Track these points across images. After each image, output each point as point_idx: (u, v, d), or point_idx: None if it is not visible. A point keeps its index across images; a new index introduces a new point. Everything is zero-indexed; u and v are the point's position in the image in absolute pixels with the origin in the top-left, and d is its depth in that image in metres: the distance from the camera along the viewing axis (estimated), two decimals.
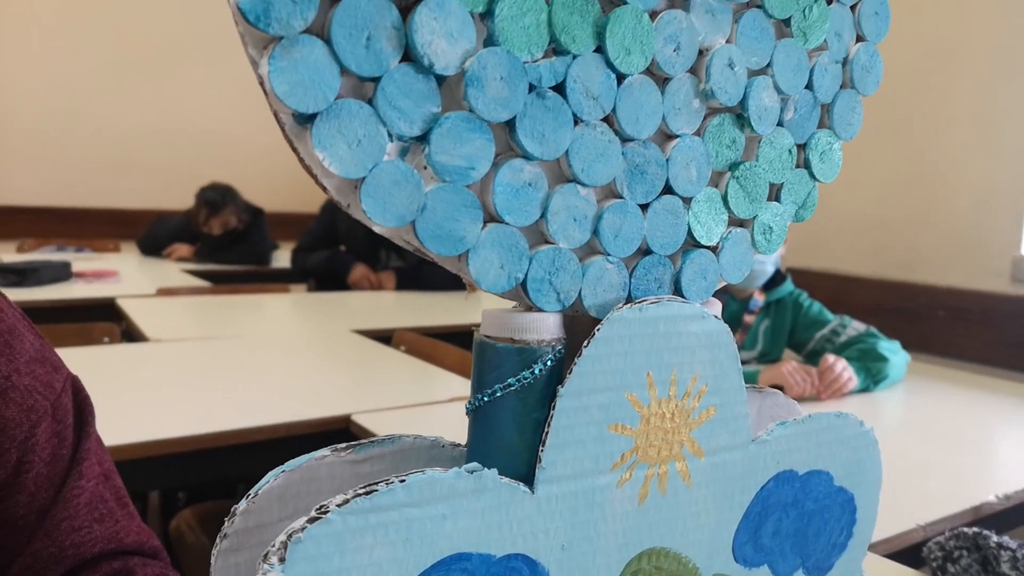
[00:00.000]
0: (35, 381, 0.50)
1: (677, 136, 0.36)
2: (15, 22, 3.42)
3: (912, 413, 1.49)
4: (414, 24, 0.28)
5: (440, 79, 0.29)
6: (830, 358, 1.50)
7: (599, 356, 0.33)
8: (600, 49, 0.32)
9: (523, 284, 0.32)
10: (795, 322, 1.76)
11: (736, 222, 0.39)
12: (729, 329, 0.37)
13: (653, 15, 0.34)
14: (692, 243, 0.37)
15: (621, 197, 0.34)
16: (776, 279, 1.76)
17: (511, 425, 0.33)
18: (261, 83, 0.26)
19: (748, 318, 1.75)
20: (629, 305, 0.34)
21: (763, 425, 0.41)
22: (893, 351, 1.61)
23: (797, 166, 0.41)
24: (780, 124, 0.39)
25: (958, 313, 2.18)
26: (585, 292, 0.34)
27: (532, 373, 0.32)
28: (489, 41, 0.30)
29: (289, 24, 0.25)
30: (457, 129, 0.29)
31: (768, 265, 1.68)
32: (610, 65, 0.32)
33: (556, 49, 0.31)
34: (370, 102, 0.28)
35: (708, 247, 0.38)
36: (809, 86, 0.40)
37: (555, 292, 0.33)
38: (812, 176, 0.41)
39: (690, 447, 0.37)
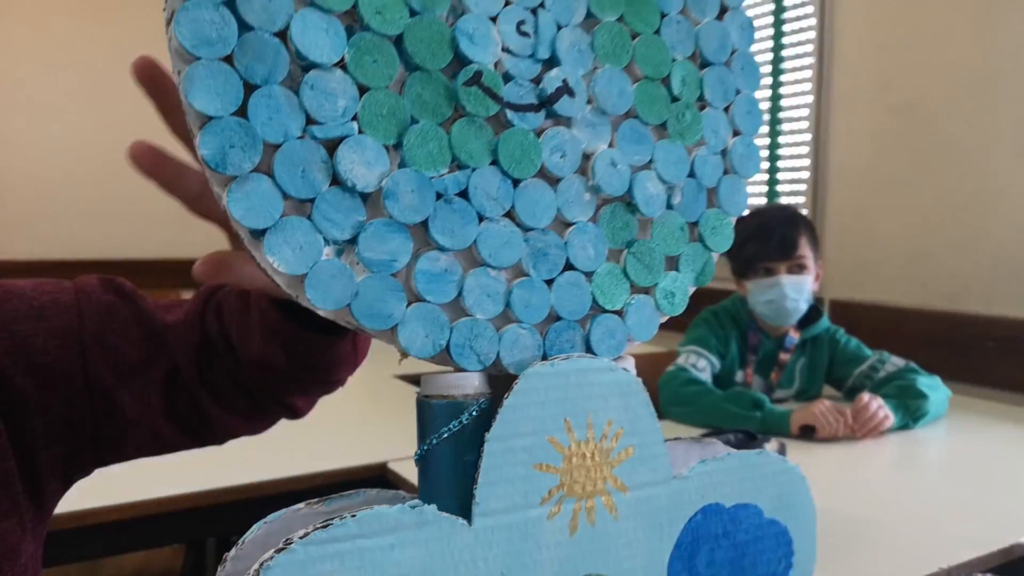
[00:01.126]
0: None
1: (573, 223, 0.44)
2: (73, 77, 3.72)
3: (952, 451, 1.47)
4: (338, 158, 0.37)
5: (364, 195, 0.38)
6: (864, 396, 1.50)
7: (518, 405, 0.40)
8: (495, 162, 0.41)
9: (447, 349, 0.40)
10: (832, 359, 1.75)
11: (639, 289, 0.46)
12: (639, 379, 0.44)
13: (539, 132, 0.43)
14: (598, 309, 0.45)
15: (528, 275, 0.42)
16: (811, 316, 1.75)
17: (448, 469, 0.39)
18: (224, 209, 0.35)
19: (784, 356, 1.74)
20: (541, 362, 0.41)
21: None
22: (932, 387, 1.59)
23: (692, 240, 0.48)
24: (670, 207, 0.47)
25: (1007, 343, 2.12)
26: (503, 353, 0.41)
27: (460, 422, 0.39)
28: (402, 163, 0.39)
29: (241, 167, 0.35)
30: (380, 232, 0.38)
31: (801, 303, 1.69)
32: (505, 173, 0.41)
33: (459, 164, 0.40)
34: (309, 217, 0.37)
35: (614, 311, 0.45)
36: (692, 175, 0.48)
37: (475, 355, 0.40)
38: (706, 247, 0.49)
39: (613, 483, 0.42)
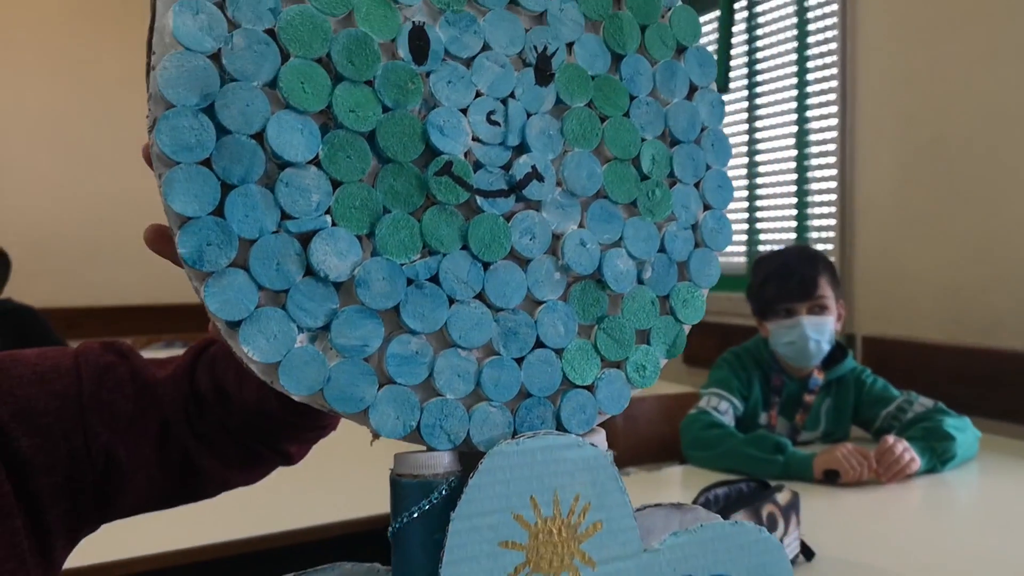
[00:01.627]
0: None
1: (543, 302, 0.45)
2: (121, 131, 3.81)
3: (983, 495, 1.43)
4: (311, 250, 0.39)
5: (337, 283, 0.40)
6: (889, 439, 1.47)
7: (484, 484, 0.41)
8: (466, 246, 0.43)
9: (418, 429, 0.41)
10: (859, 400, 1.73)
11: (610, 363, 0.48)
12: (608, 453, 0.45)
13: (510, 215, 0.45)
14: (569, 384, 0.46)
15: (498, 354, 0.44)
16: (836, 356, 1.74)
17: (418, 546, 0.41)
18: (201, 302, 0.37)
19: (808, 397, 1.72)
20: (508, 440, 0.42)
21: None
22: (960, 428, 1.56)
23: (663, 313, 0.50)
24: (641, 282, 0.49)
25: None
26: (473, 432, 0.43)
27: (430, 501, 0.41)
28: (375, 251, 0.41)
29: (217, 263, 0.37)
30: (352, 319, 0.40)
31: (823, 343, 1.67)
32: (476, 257, 0.43)
33: (430, 250, 0.42)
34: (284, 306, 0.39)
35: (584, 387, 0.46)
36: (663, 250, 0.50)
37: (446, 434, 0.42)
38: (678, 320, 0.50)
39: (581, 558, 0.43)
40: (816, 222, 2.44)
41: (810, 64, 2.41)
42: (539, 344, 0.45)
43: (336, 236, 0.40)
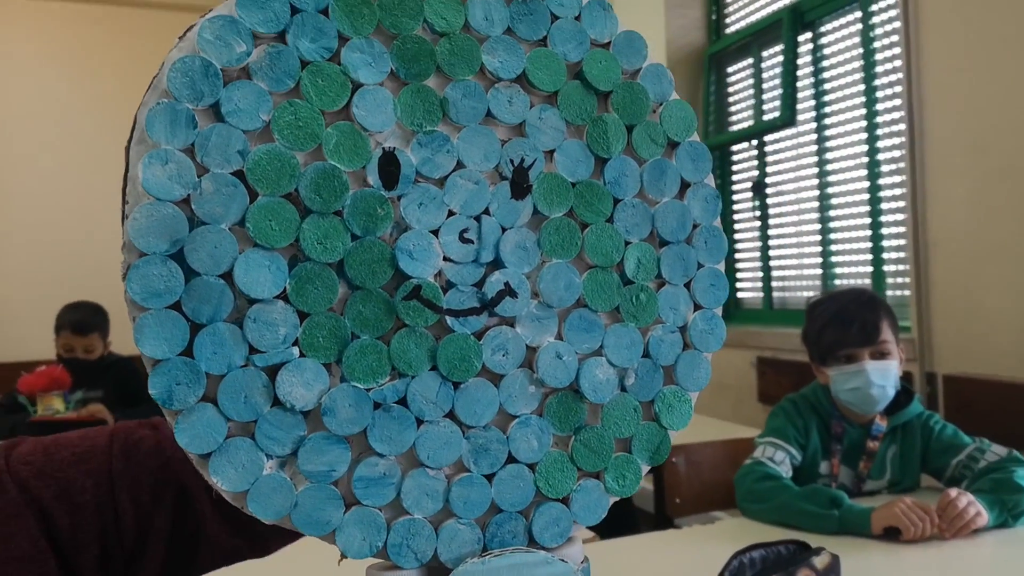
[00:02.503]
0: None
1: (516, 416, 0.46)
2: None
3: None
4: (278, 382, 0.41)
5: (305, 411, 0.41)
6: (951, 492, 1.40)
7: None
8: (435, 367, 0.44)
9: (385, 548, 0.43)
10: (927, 447, 1.65)
11: (587, 474, 0.48)
12: (581, 568, 0.45)
13: (483, 332, 0.45)
14: (542, 497, 0.46)
15: (468, 471, 0.45)
16: (901, 401, 1.67)
17: None
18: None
19: (872, 444, 1.66)
20: (474, 559, 0.43)
21: None
22: None
23: (646, 419, 0.49)
24: (623, 389, 0.49)
25: None
26: (441, 549, 0.44)
27: None
28: (343, 377, 0.42)
29: (186, 401, 0.39)
30: (319, 445, 0.41)
31: (888, 388, 1.61)
32: (445, 377, 0.44)
33: (399, 373, 0.43)
34: (252, 436, 0.41)
35: (559, 500, 0.47)
36: (647, 355, 0.49)
37: (412, 553, 0.43)
38: (662, 427, 0.49)
39: None
40: (889, 255, 2.33)
41: (878, 94, 2.29)
42: (511, 459, 0.46)
43: (303, 367, 0.41)
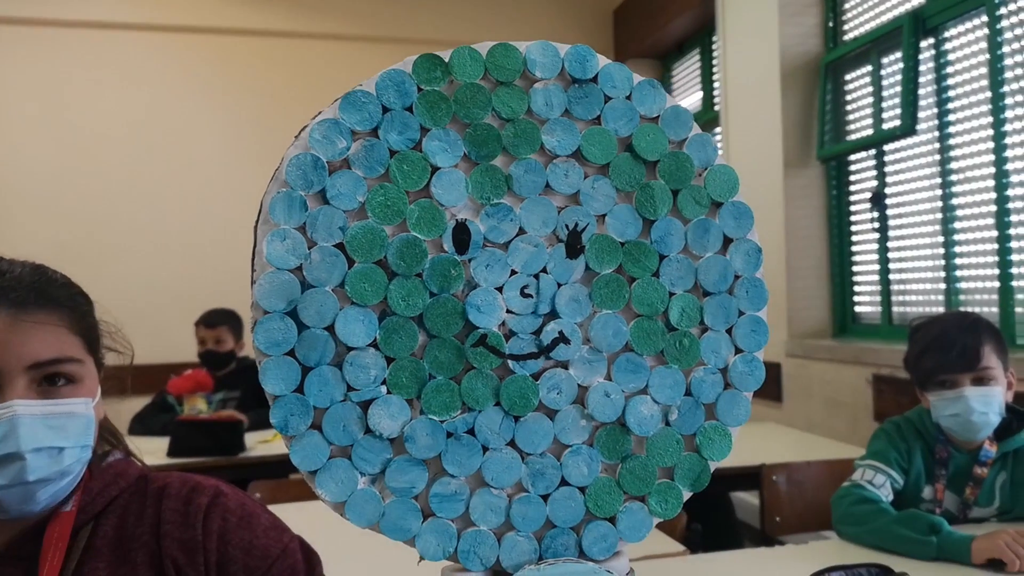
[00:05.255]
0: (269, 541, 0.72)
1: (569, 446, 0.53)
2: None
3: None
4: (370, 415, 0.50)
5: (391, 439, 0.51)
6: None
7: None
8: (499, 403, 0.52)
9: (455, 554, 0.51)
10: None
11: (633, 497, 0.54)
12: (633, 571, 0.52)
13: (540, 373, 0.53)
14: (591, 516, 0.53)
15: (527, 491, 0.52)
16: (1012, 426, 1.60)
17: None
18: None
19: (980, 471, 1.60)
20: (531, 566, 0.51)
21: None
22: None
23: (688, 450, 0.55)
24: (667, 423, 0.55)
25: None
26: (502, 556, 0.52)
27: None
28: (422, 411, 0.51)
29: (298, 428, 0.49)
30: (402, 467, 0.51)
31: (991, 415, 1.55)
32: (507, 412, 0.52)
33: (468, 407, 0.52)
34: (349, 457, 0.50)
35: (606, 519, 0.54)
36: (689, 393, 0.55)
37: (478, 558, 0.51)
38: (703, 458, 0.55)
39: None
40: (1018, 269, 2.20)
41: (1007, 100, 2.16)
42: (564, 483, 0.53)
43: (389, 403, 0.50)
